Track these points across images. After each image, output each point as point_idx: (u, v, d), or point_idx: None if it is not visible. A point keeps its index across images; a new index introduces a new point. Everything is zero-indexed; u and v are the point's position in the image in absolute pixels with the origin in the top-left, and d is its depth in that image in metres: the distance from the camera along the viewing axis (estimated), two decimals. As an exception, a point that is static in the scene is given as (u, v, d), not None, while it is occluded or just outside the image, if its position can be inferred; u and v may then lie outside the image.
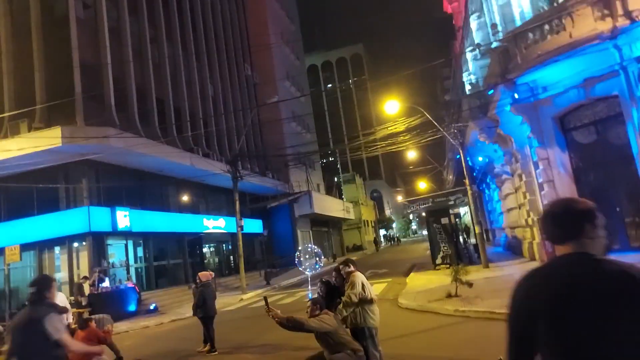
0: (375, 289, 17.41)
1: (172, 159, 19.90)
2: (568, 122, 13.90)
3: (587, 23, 11.79)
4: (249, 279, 25.62)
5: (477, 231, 17.49)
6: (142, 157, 18.48)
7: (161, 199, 22.96)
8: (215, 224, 26.36)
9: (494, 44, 14.67)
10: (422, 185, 68.51)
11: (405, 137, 20.21)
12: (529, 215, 17.60)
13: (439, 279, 14.58)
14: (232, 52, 31.58)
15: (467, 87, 27.82)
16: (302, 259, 7.59)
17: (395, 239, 74.18)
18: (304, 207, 34.76)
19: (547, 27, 12.59)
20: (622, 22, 11.21)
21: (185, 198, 24.76)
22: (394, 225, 77.06)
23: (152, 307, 16.82)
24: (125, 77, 20.31)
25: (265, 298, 5.35)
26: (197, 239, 24.95)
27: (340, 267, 5.67)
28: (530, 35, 13.05)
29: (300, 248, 7.95)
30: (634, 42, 11.28)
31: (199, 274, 9.25)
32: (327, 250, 43.14)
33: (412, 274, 19.03)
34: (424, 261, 27.10)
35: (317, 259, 7.72)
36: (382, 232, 77.57)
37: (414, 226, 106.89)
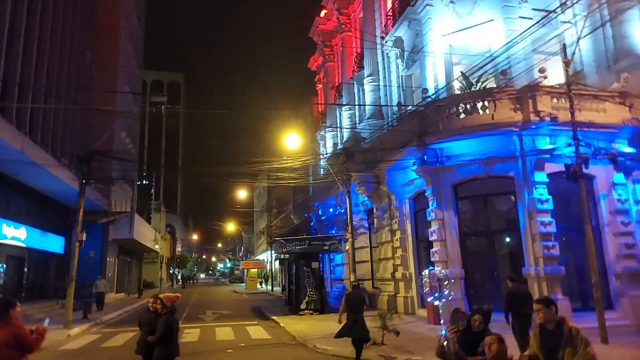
0: (252, 331, 15.40)
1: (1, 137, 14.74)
2: (461, 191, 15.66)
3: (505, 111, 13.83)
4: (46, 311, 20.08)
5: (352, 279, 17.66)
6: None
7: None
8: (15, 234, 20.23)
9: (410, 108, 15.90)
10: (231, 227, 67.67)
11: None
12: (395, 270, 18.73)
13: (327, 325, 13.97)
14: (74, 31, 26.07)
15: (330, 143, 29.26)
16: (430, 285, 6.02)
17: (193, 279, 70.77)
18: (122, 231, 29.80)
19: (471, 105, 14.29)
20: (533, 117, 13.50)
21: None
22: (188, 265, 72.61)
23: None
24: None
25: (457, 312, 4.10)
26: (-13, 251, 18.58)
27: (543, 307, 4.32)
28: (454, 108, 14.59)
29: (425, 272, 6.51)
30: (537, 136, 13.64)
31: (161, 295, 6.52)
32: (126, 285, 37.54)
33: (278, 317, 17.79)
34: (262, 304, 25.87)
35: (446, 282, 6.33)
36: (172, 270, 72.02)
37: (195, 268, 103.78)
